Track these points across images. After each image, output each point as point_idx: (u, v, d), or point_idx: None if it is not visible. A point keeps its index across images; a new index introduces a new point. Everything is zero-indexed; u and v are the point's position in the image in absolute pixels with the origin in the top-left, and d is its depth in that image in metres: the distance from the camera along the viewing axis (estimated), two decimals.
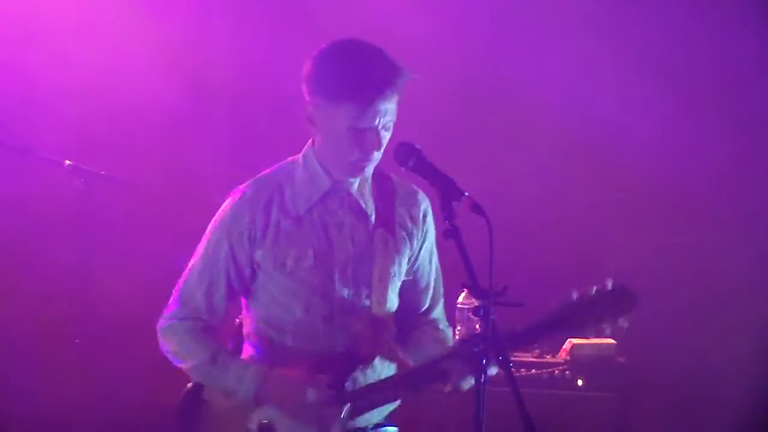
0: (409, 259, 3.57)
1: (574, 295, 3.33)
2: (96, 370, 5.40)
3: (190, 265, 3.55)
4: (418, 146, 3.29)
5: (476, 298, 3.04)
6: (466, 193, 3.12)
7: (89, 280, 5.24)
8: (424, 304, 3.66)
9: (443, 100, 5.70)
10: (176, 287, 3.56)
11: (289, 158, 3.56)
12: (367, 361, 3.49)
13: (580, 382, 5.09)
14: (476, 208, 3.09)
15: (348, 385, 3.43)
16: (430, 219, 3.60)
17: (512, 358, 4.97)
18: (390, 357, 3.59)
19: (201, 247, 3.54)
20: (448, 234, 3.14)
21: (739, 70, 5.76)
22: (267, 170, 3.58)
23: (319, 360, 3.44)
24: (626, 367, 5.12)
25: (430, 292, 3.66)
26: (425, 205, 3.58)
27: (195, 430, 3.57)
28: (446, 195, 3.15)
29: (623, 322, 3.32)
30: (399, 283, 3.56)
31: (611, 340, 5.13)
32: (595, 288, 3.31)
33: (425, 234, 3.59)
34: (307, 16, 5.94)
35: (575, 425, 5.00)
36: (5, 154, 5.26)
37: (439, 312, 3.69)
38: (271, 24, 5.99)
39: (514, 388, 2.98)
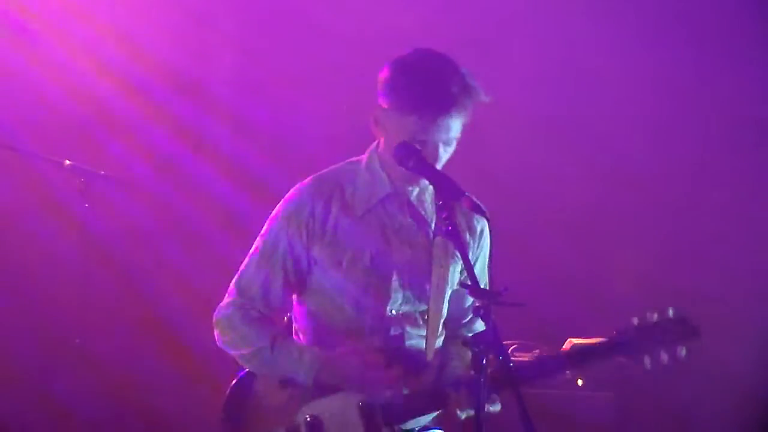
0: (462, 271, 3.55)
1: (635, 321, 3.38)
2: (96, 370, 5.40)
3: (249, 255, 3.54)
4: (418, 146, 3.30)
5: (476, 298, 3.05)
6: (467, 193, 3.12)
7: (89, 280, 5.24)
8: (468, 315, 3.64)
9: None
10: (235, 277, 3.55)
11: (353, 158, 3.56)
12: (423, 367, 3.47)
13: (580, 382, 5.09)
14: (476, 208, 3.10)
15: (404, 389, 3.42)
16: (486, 237, 3.57)
17: (512, 358, 5.06)
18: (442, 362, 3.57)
19: (260, 238, 3.53)
20: (449, 234, 3.14)
21: (741, 70, 5.76)
22: (330, 168, 3.56)
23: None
24: (626, 367, 5.11)
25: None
26: (483, 223, 3.54)
27: (239, 424, 3.54)
28: (446, 195, 3.15)
29: (681, 351, 3.36)
30: (450, 292, 3.56)
31: None
32: (656, 314, 3.36)
33: (481, 249, 3.57)
34: (310, 17, 5.94)
35: (575, 425, 4.99)
36: (5, 154, 5.27)
37: (481, 325, 3.57)
38: (272, 23, 5.99)
39: (514, 388, 2.98)
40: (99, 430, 5.60)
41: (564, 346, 5.15)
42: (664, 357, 3.37)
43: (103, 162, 5.37)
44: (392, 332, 3.48)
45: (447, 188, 3.16)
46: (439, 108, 3.28)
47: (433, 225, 3.50)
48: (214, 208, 5.95)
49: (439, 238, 3.47)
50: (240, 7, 6.01)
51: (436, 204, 3.47)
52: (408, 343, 3.49)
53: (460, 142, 3.40)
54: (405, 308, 3.48)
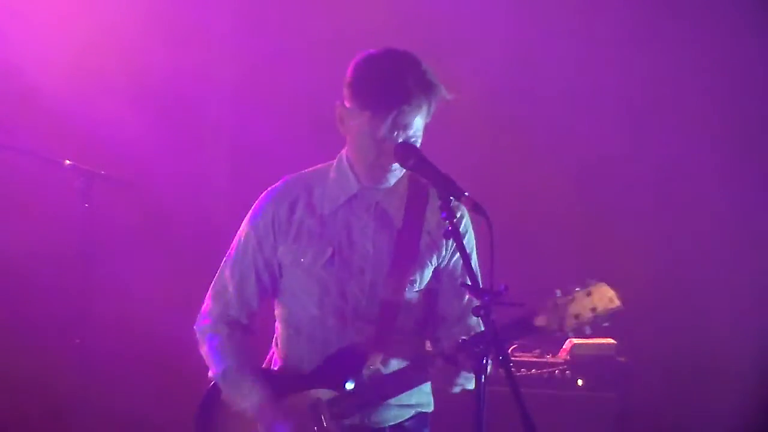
0: (439, 265, 3.54)
1: (558, 293, 3.33)
2: (96, 370, 5.40)
3: (223, 261, 3.62)
4: (417, 146, 3.30)
5: (476, 298, 3.04)
6: (467, 193, 3.12)
7: (89, 280, 5.23)
8: (459, 310, 3.61)
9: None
10: (212, 284, 3.64)
11: (329, 161, 3.58)
12: (371, 363, 3.47)
13: (580, 382, 5.09)
14: (476, 208, 3.09)
15: (348, 384, 3.45)
16: (465, 227, 3.53)
17: (512, 358, 5.06)
18: (398, 362, 3.55)
19: (233, 243, 3.61)
20: (448, 234, 3.14)
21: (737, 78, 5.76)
22: (303, 171, 3.60)
23: (324, 363, 3.48)
24: (626, 367, 5.12)
25: (465, 298, 3.57)
26: (460, 213, 3.49)
27: (213, 427, 3.60)
28: (446, 195, 3.15)
29: (602, 321, 3.29)
30: (417, 290, 3.53)
31: (611, 340, 5.13)
32: (577, 288, 3.31)
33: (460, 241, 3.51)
34: (312, 17, 5.94)
35: (575, 425, 5.00)
36: (5, 154, 5.26)
37: (475, 319, 3.53)
38: (275, 24, 5.98)
39: (514, 388, 2.98)
40: (98, 430, 5.60)
41: (564, 346, 5.18)
42: (587, 330, 3.30)
43: (103, 162, 5.36)
44: (354, 331, 3.48)
45: (447, 188, 3.15)
46: (391, 102, 3.27)
47: (400, 225, 3.49)
48: (214, 209, 5.95)
49: (403, 238, 3.46)
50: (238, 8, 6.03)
51: (424, 202, 3.48)
52: (369, 342, 3.48)
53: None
54: (367, 307, 3.48)
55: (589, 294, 3.29)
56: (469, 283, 3.08)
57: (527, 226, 5.69)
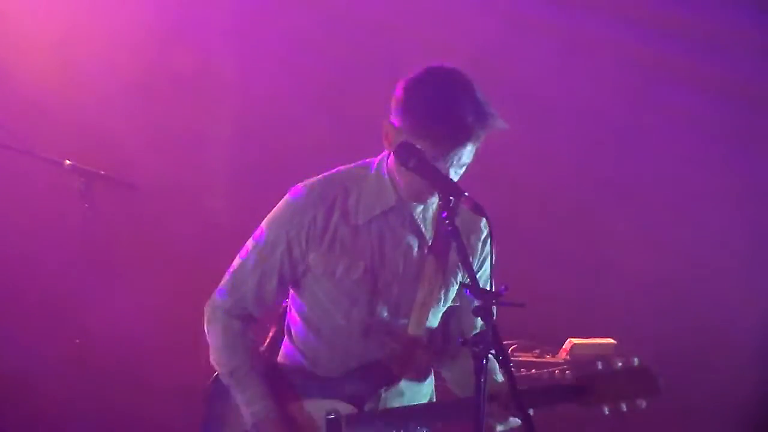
0: (459, 290, 3.55)
1: (599, 366, 3.37)
2: (96, 369, 5.40)
3: (246, 248, 3.53)
4: (419, 146, 3.28)
5: (476, 298, 3.05)
6: (467, 193, 3.12)
7: (89, 280, 5.24)
8: (475, 329, 3.60)
9: None
10: (231, 266, 3.55)
11: (366, 160, 3.53)
12: (394, 381, 3.49)
13: None
14: (476, 208, 3.09)
15: (368, 404, 3.46)
16: (488, 247, 3.52)
17: (512, 358, 5.05)
18: (419, 379, 3.58)
19: (259, 235, 3.51)
20: (449, 235, 3.14)
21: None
22: (338, 168, 3.53)
23: (345, 376, 3.48)
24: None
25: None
26: (486, 233, 3.52)
27: (221, 412, 3.58)
28: (447, 195, 3.15)
29: (641, 403, 3.40)
30: (442, 309, 3.56)
31: (611, 340, 5.13)
32: (620, 363, 3.37)
33: (482, 262, 3.54)
34: (313, 20, 5.94)
35: (575, 425, 4.99)
36: (5, 154, 5.26)
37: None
38: (278, 25, 5.98)
39: (513, 388, 2.99)
40: (98, 430, 5.60)
41: (564, 346, 5.18)
42: (623, 407, 3.41)
43: (103, 162, 5.36)
44: (376, 345, 3.48)
45: (448, 189, 3.16)
46: (453, 139, 3.24)
47: (429, 242, 3.48)
48: (214, 209, 5.96)
49: (432, 256, 3.46)
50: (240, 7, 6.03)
51: (437, 206, 3.45)
52: (390, 357, 3.49)
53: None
54: (392, 321, 3.49)
55: (632, 373, 3.39)
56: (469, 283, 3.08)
57: (527, 226, 5.69)
